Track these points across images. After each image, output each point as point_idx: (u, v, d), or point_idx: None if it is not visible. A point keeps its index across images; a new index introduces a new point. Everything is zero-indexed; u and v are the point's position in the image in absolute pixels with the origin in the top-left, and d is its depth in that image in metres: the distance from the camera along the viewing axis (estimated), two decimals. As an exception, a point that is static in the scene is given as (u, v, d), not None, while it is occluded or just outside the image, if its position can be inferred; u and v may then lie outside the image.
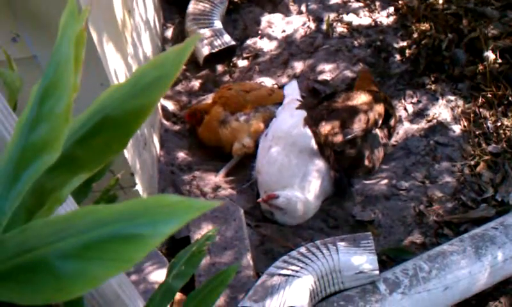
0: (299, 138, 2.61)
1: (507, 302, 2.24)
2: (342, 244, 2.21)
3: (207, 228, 2.37)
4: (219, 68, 3.35)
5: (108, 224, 0.65)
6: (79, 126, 0.82)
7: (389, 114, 2.81)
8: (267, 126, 2.87)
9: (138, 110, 0.77)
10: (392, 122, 2.81)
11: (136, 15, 2.60)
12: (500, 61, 2.97)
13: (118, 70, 2.01)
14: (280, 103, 2.95)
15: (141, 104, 0.76)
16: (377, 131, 2.71)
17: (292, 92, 2.99)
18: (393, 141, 2.82)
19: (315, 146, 2.58)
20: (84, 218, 0.68)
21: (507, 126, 2.72)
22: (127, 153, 2.10)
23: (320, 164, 2.57)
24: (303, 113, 2.71)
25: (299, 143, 2.60)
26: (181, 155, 2.85)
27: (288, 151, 2.60)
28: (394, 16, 3.42)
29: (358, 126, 2.61)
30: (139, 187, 2.24)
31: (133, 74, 0.80)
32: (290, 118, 2.73)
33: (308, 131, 2.61)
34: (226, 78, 3.28)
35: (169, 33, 3.49)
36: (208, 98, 3.06)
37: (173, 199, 0.66)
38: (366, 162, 2.63)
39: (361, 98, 2.71)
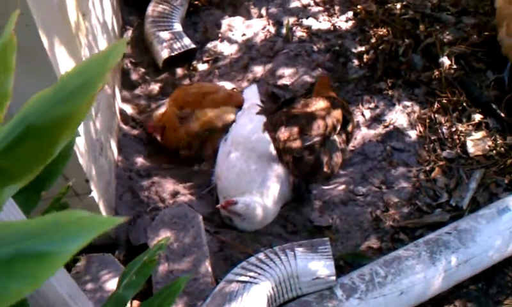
0: (258, 143, 2.61)
1: (462, 305, 2.29)
2: (300, 249, 2.22)
3: (165, 235, 2.34)
4: (179, 71, 3.32)
5: (14, 242, 0.64)
6: (3, 136, 0.80)
7: (347, 119, 2.84)
8: (225, 129, 2.86)
9: (63, 119, 0.74)
10: (350, 128, 2.84)
11: (92, 17, 2.55)
12: (455, 66, 3.04)
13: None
14: (239, 107, 2.94)
15: (65, 112, 0.74)
16: (336, 137, 2.74)
17: (252, 96, 2.99)
18: (351, 146, 2.85)
19: (274, 152, 2.59)
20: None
21: (461, 131, 2.79)
22: (81, 158, 2.06)
23: (279, 169, 2.57)
24: (263, 118, 2.72)
25: (258, 149, 2.60)
26: (139, 160, 2.81)
27: (247, 156, 2.60)
28: (353, 21, 3.45)
29: (317, 132, 2.62)
30: (94, 194, 2.20)
31: (57, 81, 0.78)
32: (250, 122, 2.74)
33: (267, 136, 2.62)
34: (186, 81, 3.26)
35: (128, 35, 3.43)
36: (167, 103, 3.03)
37: (74, 217, 0.65)
38: (325, 168, 2.65)
39: (319, 104, 2.73)
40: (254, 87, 3.08)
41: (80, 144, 2.06)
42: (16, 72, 1.71)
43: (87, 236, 0.61)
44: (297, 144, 2.59)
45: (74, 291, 1.49)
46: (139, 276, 1.36)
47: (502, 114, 2.81)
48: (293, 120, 2.65)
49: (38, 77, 1.74)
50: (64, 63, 1.90)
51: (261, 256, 2.23)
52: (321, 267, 2.15)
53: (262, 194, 2.52)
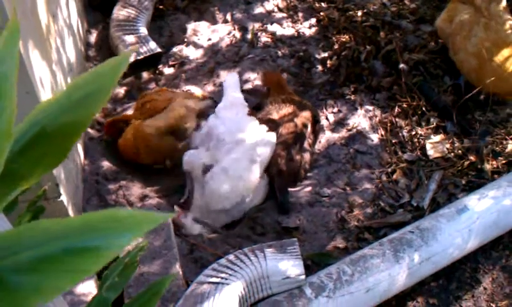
0: (240, 144, 2.67)
1: (424, 301, 2.38)
2: (270, 250, 2.27)
3: (134, 238, 2.35)
4: (145, 75, 3.33)
5: (61, 238, 0.66)
6: (15, 139, 0.82)
7: (317, 120, 2.93)
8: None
9: (75, 124, 0.77)
10: (316, 129, 2.94)
11: (59, 19, 2.54)
12: (414, 72, 3.16)
13: (44, 77, 1.96)
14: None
15: (77, 118, 0.77)
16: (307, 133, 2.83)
17: (232, 85, 3.00)
18: (316, 149, 2.92)
19: (254, 156, 2.65)
20: (36, 232, 0.69)
21: (420, 135, 2.90)
22: (52, 163, 2.05)
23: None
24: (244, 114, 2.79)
25: (240, 149, 2.65)
26: (106, 164, 2.80)
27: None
28: (316, 27, 3.54)
29: (286, 133, 2.73)
30: (64, 198, 2.19)
31: (68, 86, 0.80)
32: (231, 121, 2.77)
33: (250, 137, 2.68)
34: (152, 85, 3.27)
35: (93, 38, 3.42)
36: (133, 106, 3.03)
37: (124, 214, 0.68)
38: (302, 171, 2.75)
39: (285, 109, 2.82)
40: (234, 76, 3.09)
41: (51, 147, 2.05)
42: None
43: (135, 233, 0.63)
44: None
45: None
46: (120, 278, 1.38)
47: (456, 118, 2.94)
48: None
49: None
50: (38, 66, 1.89)
51: (231, 257, 2.27)
52: (290, 266, 2.20)
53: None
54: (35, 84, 1.80)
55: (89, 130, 2.94)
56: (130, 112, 3.02)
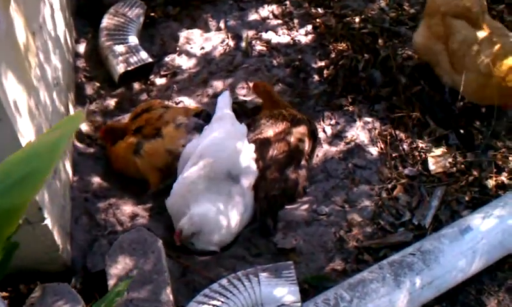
0: (225, 161, 2.56)
1: (425, 326, 2.28)
2: (264, 274, 2.17)
3: (124, 262, 2.25)
4: (136, 86, 3.22)
5: None
6: None
7: (315, 135, 2.84)
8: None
9: (5, 213, 0.67)
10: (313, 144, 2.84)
11: (43, 33, 2.43)
12: (413, 82, 3.06)
13: (19, 99, 1.85)
14: (196, 116, 2.87)
15: (8, 205, 0.67)
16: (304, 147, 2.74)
17: (224, 105, 2.90)
18: (313, 163, 2.82)
19: (238, 173, 2.55)
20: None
21: (422, 148, 2.80)
22: (35, 187, 1.94)
23: (241, 192, 2.54)
24: (232, 134, 2.68)
25: (223, 166, 2.54)
26: (96, 180, 2.70)
27: (209, 171, 2.53)
28: (312, 35, 3.43)
29: (277, 153, 2.63)
30: (48, 221, 2.09)
31: (3, 165, 0.70)
32: (220, 137, 2.67)
33: (237, 156, 2.58)
34: (144, 97, 3.16)
35: (82, 48, 3.31)
36: (125, 119, 2.93)
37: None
38: (299, 188, 2.65)
39: (278, 126, 2.72)
40: (226, 94, 2.98)
41: (33, 170, 1.94)
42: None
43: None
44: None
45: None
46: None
47: (461, 130, 2.84)
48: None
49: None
50: (12, 89, 1.79)
51: (224, 282, 2.17)
52: (286, 293, 2.10)
53: (218, 208, 2.47)
54: (8, 110, 1.69)
55: (78, 144, 2.84)
56: (122, 124, 2.92)
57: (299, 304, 2.07)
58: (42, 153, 0.70)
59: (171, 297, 2.17)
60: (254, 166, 2.63)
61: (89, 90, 3.13)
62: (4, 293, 2.16)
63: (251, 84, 3.08)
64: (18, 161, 0.72)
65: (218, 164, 2.54)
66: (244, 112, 2.99)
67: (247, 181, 2.58)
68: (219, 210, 2.47)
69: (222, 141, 2.63)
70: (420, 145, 2.82)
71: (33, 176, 0.68)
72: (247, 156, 2.63)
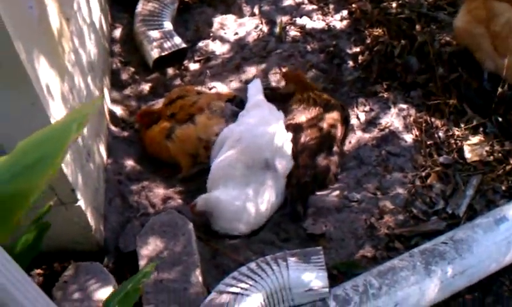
0: (260, 149, 2.56)
1: (457, 315, 2.24)
2: (293, 259, 2.16)
3: (154, 243, 2.29)
4: (170, 71, 3.25)
5: None
6: None
7: (348, 121, 2.81)
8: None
9: (18, 195, 0.69)
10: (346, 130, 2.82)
11: (78, 18, 2.47)
12: (451, 68, 2.98)
13: (52, 84, 1.89)
14: (229, 101, 2.88)
15: (21, 188, 0.68)
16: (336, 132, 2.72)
17: (256, 92, 2.91)
18: (345, 150, 2.79)
19: (273, 161, 2.54)
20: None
21: (458, 136, 2.73)
22: (66, 168, 1.99)
23: (273, 179, 2.53)
24: (270, 123, 2.68)
25: (259, 153, 2.55)
26: (130, 163, 2.74)
27: (244, 156, 2.54)
28: (348, 20, 3.39)
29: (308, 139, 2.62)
30: (81, 203, 2.14)
31: (14, 151, 0.72)
32: (258, 124, 2.67)
33: (272, 145, 2.57)
34: (178, 82, 3.19)
35: (117, 34, 3.36)
36: (159, 104, 2.96)
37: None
38: (331, 176, 2.64)
39: (310, 111, 2.70)
40: (257, 82, 2.99)
41: (66, 152, 1.99)
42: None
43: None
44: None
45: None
46: (122, 305, 1.30)
47: (499, 118, 2.76)
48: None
49: (17, 92, 1.68)
50: (45, 74, 1.82)
51: (253, 265, 2.18)
52: (314, 278, 2.09)
53: (245, 196, 2.48)
54: (41, 94, 1.73)
55: (113, 128, 2.89)
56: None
57: (327, 289, 2.05)
58: (53, 138, 0.71)
59: (200, 278, 2.20)
60: (290, 154, 2.62)
61: (124, 75, 3.17)
62: (39, 271, 2.22)
63: (284, 70, 3.07)
64: (30, 146, 0.73)
65: (256, 151, 2.55)
66: (276, 98, 2.96)
67: (283, 170, 2.58)
68: (245, 198, 2.47)
69: (260, 128, 2.64)
70: (456, 133, 2.75)
71: (44, 160, 0.70)
72: (285, 144, 2.62)
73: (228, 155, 2.57)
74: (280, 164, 2.57)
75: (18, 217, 0.72)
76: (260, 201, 2.49)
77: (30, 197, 0.71)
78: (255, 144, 2.56)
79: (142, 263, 2.24)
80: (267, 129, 2.63)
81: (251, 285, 2.10)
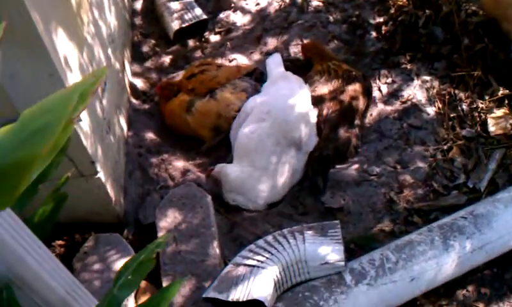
0: (287, 122, 2.56)
1: (475, 290, 2.23)
2: (310, 232, 2.17)
3: (173, 215, 2.31)
4: (191, 43, 3.24)
5: None
6: None
7: (370, 92, 2.78)
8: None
9: (23, 163, 0.69)
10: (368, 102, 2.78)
11: (98, -10, 2.48)
12: (476, 39, 2.90)
13: (71, 55, 1.90)
14: (249, 74, 2.87)
15: (26, 156, 0.69)
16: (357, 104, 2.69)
17: (276, 66, 2.89)
18: (366, 122, 2.76)
19: (298, 137, 2.54)
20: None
21: (482, 109, 2.67)
22: (86, 140, 2.01)
23: (295, 155, 2.53)
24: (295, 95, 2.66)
25: (284, 127, 2.54)
26: (150, 136, 2.77)
27: (271, 129, 2.54)
28: (372, -11, 3.31)
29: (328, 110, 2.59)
30: (101, 175, 2.17)
31: (20, 119, 0.72)
32: (284, 96, 2.65)
33: (299, 121, 2.57)
34: (198, 54, 3.18)
35: (138, 6, 3.35)
36: (179, 76, 2.96)
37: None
38: (352, 149, 2.62)
39: (332, 83, 2.67)
40: (277, 56, 2.96)
41: (85, 126, 2.01)
42: (12, 59, 1.66)
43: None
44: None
45: (73, 287, 1.46)
46: (135, 275, 1.32)
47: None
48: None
49: (35, 63, 1.69)
50: (63, 45, 1.84)
51: (269, 238, 2.19)
52: (330, 251, 2.09)
53: (266, 170, 2.47)
54: (59, 66, 1.74)
55: (134, 100, 2.91)
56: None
57: (343, 263, 2.06)
58: (54, 107, 0.72)
59: (217, 250, 2.22)
60: (315, 131, 2.62)
61: (145, 48, 3.18)
62: (60, 242, 2.28)
63: (305, 41, 3.03)
64: (33, 114, 0.74)
65: (289, 129, 2.54)
66: (297, 69, 2.93)
67: (308, 148, 2.58)
68: (260, 176, 2.48)
69: (291, 102, 2.61)
70: (481, 106, 2.69)
71: (45, 130, 0.70)
72: (312, 121, 2.61)
73: (259, 128, 2.55)
74: (307, 142, 2.57)
75: (19, 188, 0.73)
76: (278, 178, 2.49)
77: (31, 167, 0.72)
78: (287, 122, 2.55)
79: (160, 234, 2.27)
80: (298, 105, 2.61)
81: (267, 258, 2.11)
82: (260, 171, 2.48)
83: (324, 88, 2.70)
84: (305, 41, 3.01)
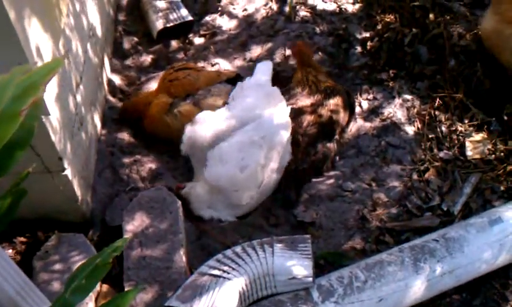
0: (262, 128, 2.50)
1: (443, 314, 2.20)
2: (279, 245, 2.12)
3: (140, 219, 2.26)
4: (174, 44, 3.19)
5: None
6: None
7: (353, 108, 2.75)
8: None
9: None
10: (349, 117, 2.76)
11: (81, -19, 2.42)
12: (461, 62, 2.89)
13: (44, 47, 1.85)
14: (229, 80, 2.81)
15: None
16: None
17: (264, 74, 2.80)
18: (345, 138, 2.73)
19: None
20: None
21: (461, 132, 2.66)
22: (54, 136, 1.95)
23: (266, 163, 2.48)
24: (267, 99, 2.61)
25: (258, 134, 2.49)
26: (124, 135, 2.70)
27: (243, 136, 2.49)
28: (360, 4, 3.29)
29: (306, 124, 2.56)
30: (68, 172, 2.11)
31: None
32: (257, 102, 2.60)
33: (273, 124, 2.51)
34: (181, 55, 3.13)
35: (124, 1, 3.30)
36: (158, 76, 2.90)
37: None
38: (329, 163, 2.59)
39: (312, 96, 2.63)
40: (269, 64, 2.89)
41: (54, 120, 1.95)
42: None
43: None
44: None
45: (23, 286, 1.40)
46: (89, 280, 1.27)
47: (505, 117, 2.67)
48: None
49: (4, 50, 1.64)
50: (36, 36, 1.78)
51: (238, 249, 2.14)
52: (299, 266, 2.05)
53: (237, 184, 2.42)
54: (29, 54, 1.69)
55: (111, 98, 2.85)
56: (154, 82, 2.89)
57: (311, 278, 2.02)
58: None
59: (184, 258, 2.17)
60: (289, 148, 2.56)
61: (126, 44, 3.12)
62: (22, 238, 2.21)
63: (288, 52, 2.99)
64: None
65: (254, 132, 2.48)
66: (279, 80, 2.88)
67: (282, 162, 2.53)
68: (234, 191, 2.43)
69: (260, 109, 2.57)
70: (460, 128, 2.68)
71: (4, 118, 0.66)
72: (284, 124, 2.56)
73: (236, 140, 2.49)
74: (283, 156, 2.52)
75: None
76: (250, 192, 2.44)
77: None
78: (256, 127, 2.50)
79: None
80: (268, 111, 2.56)
81: (233, 269, 2.07)
82: (231, 186, 2.42)
83: (305, 100, 2.66)
84: (298, 42, 2.94)
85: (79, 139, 2.28)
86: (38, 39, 1.80)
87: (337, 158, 2.65)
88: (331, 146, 2.61)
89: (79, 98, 2.29)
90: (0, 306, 1.30)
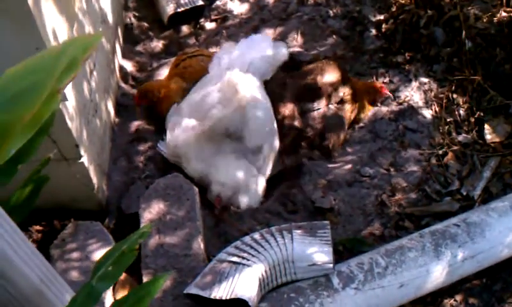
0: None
1: (463, 300, 2.17)
2: (298, 232, 2.10)
3: (157, 206, 2.23)
4: (185, 29, 3.14)
5: None
6: None
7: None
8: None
9: (8, 124, 0.62)
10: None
11: (93, -34, 2.38)
12: (478, 44, 2.84)
13: (60, 31, 1.81)
14: None
15: (6, 120, 0.61)
16: (345, 112, 2.58)
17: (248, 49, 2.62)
18: (361, 123, 2.68)
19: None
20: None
21: (479, 115, 2.61)
22: (71, 122, 1.93)
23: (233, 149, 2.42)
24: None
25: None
26: (138, 122, 2.67)
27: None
28: (374, -14, 3.23)
29: (318, 104, 2.50)
30: (84, 159, 2.08)
31: (2, 79, 0.64)
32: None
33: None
34: (192, 40, 3.08)
35: (133, -12, 3.26)
36: (170, 62, 2.86)
37: None
38: (326, 143, 2.52)
39: (325, 77, 2.57)
40: (260, 38, 2.72)
41: (70, 106, 1.93)
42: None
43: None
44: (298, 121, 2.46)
45: (47, 274, 1.38)
46: (116, 267, 1.24)
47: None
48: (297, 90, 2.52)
49: (22, 35, 1.61)
50: (53, 20, 1.75)
51: (256, 236, 2.12)
52: (319, 253, 2.03)
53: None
54: (46, 38, 1.65)
55: (123, 84, 2.81)
56: (166, 68, 2.85)
57: (332, 265, 1.99)
58: (41, 68, 0.64)
59: (202, 245, 2.15)
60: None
61: (137, 30, 3.08)
62: (38, 227, 2.19)
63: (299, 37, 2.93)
64: (16, 74, 0.66)
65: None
66: (295, 66, 2.82)
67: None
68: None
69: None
70: (478, 112, 2.63)
71: (30, 91, 0.63)
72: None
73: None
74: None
75: (4, 151, 0.65)
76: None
77: (11, 134, 0.64)
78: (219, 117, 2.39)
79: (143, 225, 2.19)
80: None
81: (253, 255, 2.04)
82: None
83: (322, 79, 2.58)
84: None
85: (93, 126, 2.25)
86: (54, 23, 1.77)
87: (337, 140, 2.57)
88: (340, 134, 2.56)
89: (93, 84, 2.26)
90: (25, 295, 1.28)
